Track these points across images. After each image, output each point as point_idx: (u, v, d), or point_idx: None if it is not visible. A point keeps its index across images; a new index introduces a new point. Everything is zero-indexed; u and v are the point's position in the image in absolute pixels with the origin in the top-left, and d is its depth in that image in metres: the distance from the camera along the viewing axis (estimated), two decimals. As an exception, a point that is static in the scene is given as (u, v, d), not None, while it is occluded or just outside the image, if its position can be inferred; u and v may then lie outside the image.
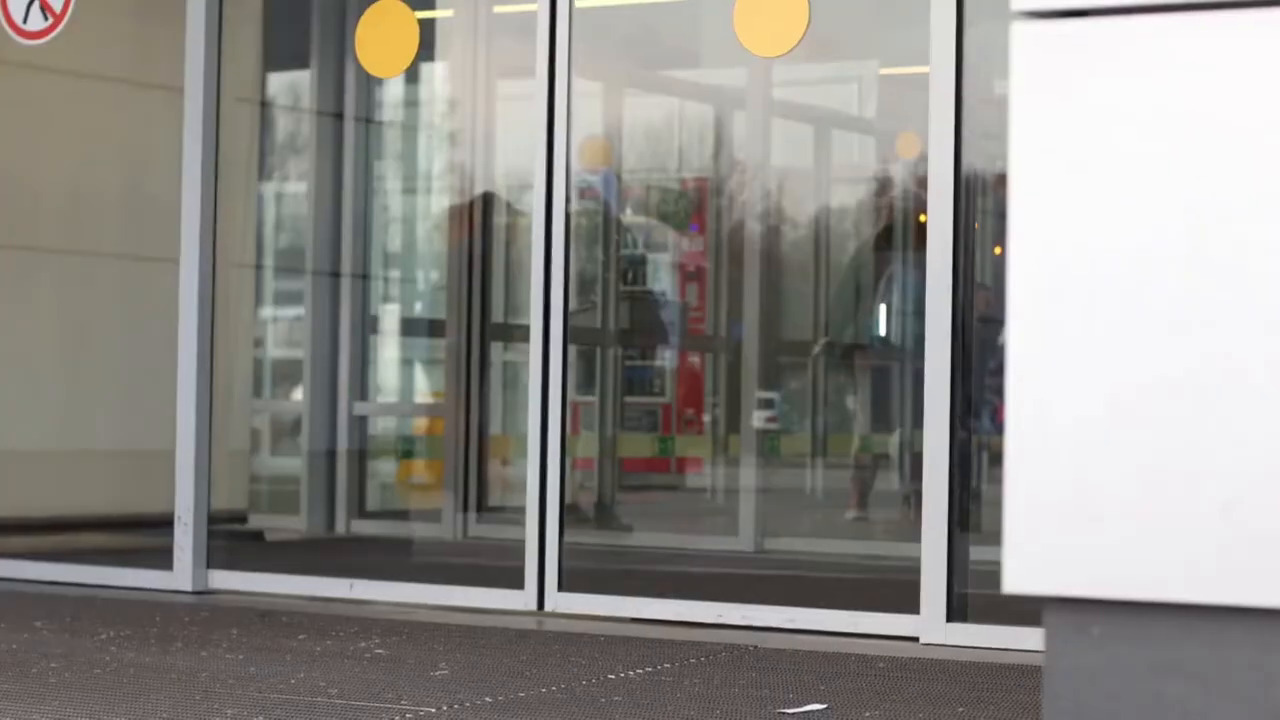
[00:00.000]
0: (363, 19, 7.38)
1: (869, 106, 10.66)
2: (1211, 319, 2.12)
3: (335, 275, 9.78)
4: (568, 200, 6.98)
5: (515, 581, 7.13)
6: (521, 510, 11.56)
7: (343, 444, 9.72)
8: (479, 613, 6.86)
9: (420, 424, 10.65)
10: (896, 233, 9.91)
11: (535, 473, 7.00)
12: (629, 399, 11.12)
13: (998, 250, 8.16)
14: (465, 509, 9.94)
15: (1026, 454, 2.19)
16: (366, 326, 9.90)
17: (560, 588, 6.84)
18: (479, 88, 10.18)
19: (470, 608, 6.96)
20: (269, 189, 10.36)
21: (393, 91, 10.57)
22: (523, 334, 13.72)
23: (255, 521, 9.40)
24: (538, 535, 6.96)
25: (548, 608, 6.79)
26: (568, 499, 12.23)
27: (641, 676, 5.39)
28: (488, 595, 7.04)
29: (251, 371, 10.10)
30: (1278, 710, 2.07)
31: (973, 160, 6.36)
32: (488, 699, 4.96)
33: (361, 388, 9.85)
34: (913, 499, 8.65)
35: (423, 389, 10.88)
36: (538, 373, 7.06)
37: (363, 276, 9.90)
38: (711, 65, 10.73)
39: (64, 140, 8.73)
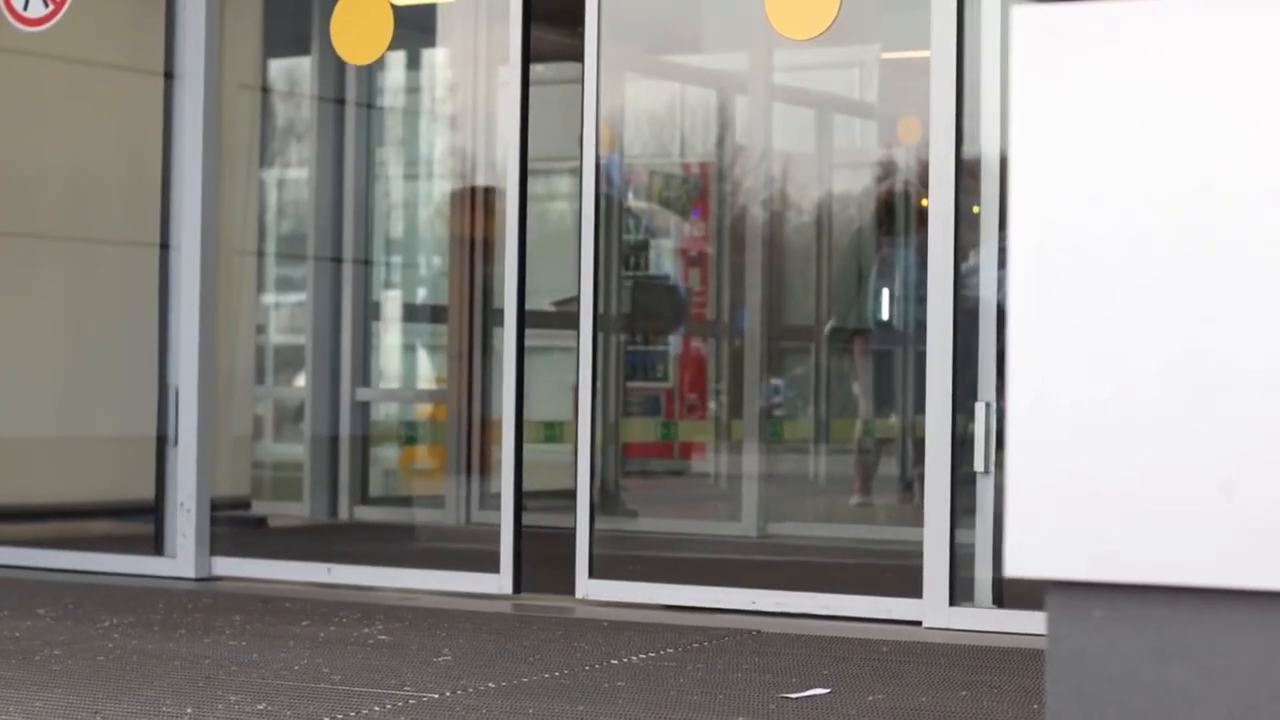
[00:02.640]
0: (338, 6, 7.38)
1: (871, 91, 10.65)
2: (1211, 303, 2.12)
3: (337, 261, 9.78)
4: (597, 184, 6.98)
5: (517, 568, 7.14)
6: (527, 496, 11.57)
7: (345, 430, 9.72)
8: (482, 599, 6.86)
9: (423, 410, 10.65)
10: (898, 217, 9.90)
11: (510, 459, 7.04)
12: (631, 384, 11.13)
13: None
14: (469, 495, 9.94)
15: (1028, 437, 2.19)
16: (369, 312, 9.91)
17: (591, 574, 6.80)
18: (480, 72, 10.17)
19: (449, 591, 6.98)
20: (270, 175, 10.35)
21: (394, 77, 10.56)
22: (528, 319, 13.72)
23: (258, 508, 9.41)
24: (513, 520, 6.99)
25: (579, 595, 6.76)
26: (570, 484, 12.24)
27: (644, 661, 5.40)
28: (464, 579, 7.06)
29: (254, 358, 10.10)
30: (1280, 693, 2.07)
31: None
32: (490, 685, 4.96)
33: (364, 374, 9.85)
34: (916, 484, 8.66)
35: (425, 375, 10.88)
36: (512, 357, 7.11)
37: (365, 262, 9.90)
38: (714, 50, 10.72)
39: (65, 127, 8.72)
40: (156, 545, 7.63)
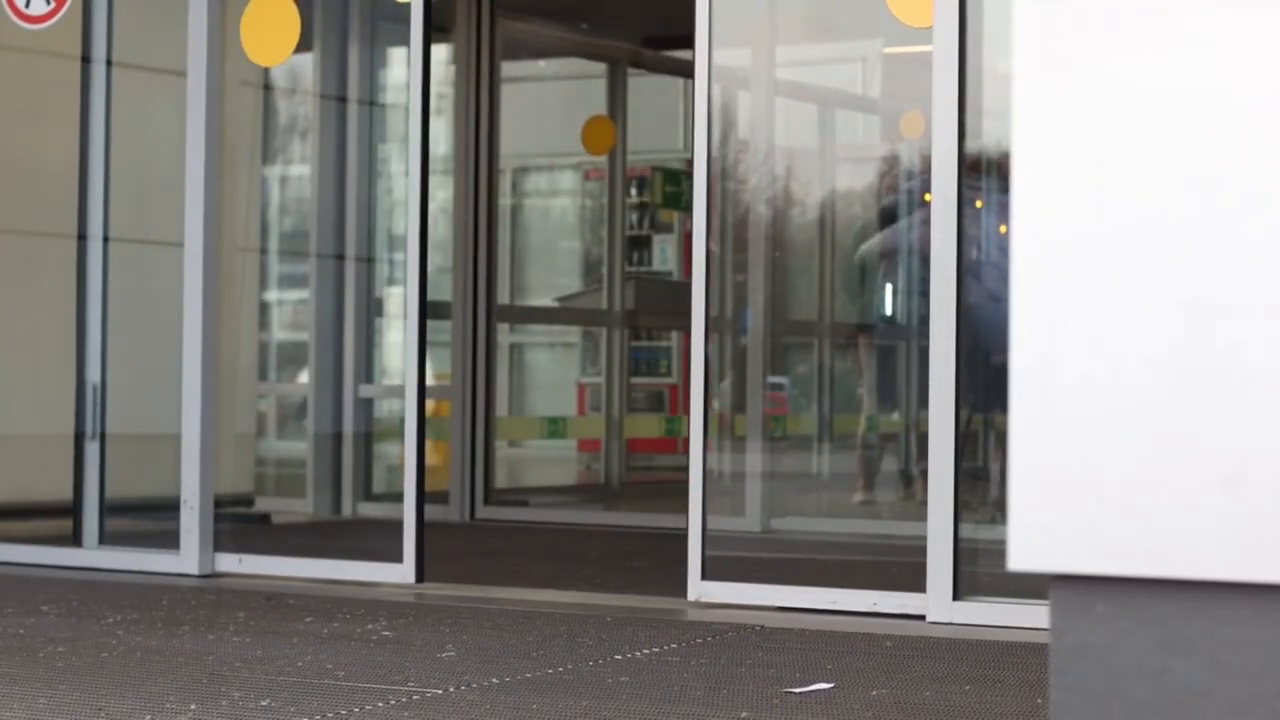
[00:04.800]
0: (248, 7, 7.39)
1: (873, 86, 10.65)
2: (1215, 299, 2.12)
3: (339, 258, 9.78)
4: (709, 185, 6.91)
5: (515, 564, 7.13)
6: (531, 492, 11.56)
7: (348, 427, 9.73)
8: (482, 595, 6.86)
9: (426, 406, 10.66)
10: (901, 212, 9.90)
11: (412, 452, 7.05)
12: (635, 380, 11.13)
13: (1003, 229, 8.15)
14: (473, 491, 9.94)
15: (1031, 432, 2.19)
16: (371, 308, 9.91)
17: (704, 576, 6.70)
18: (482, 69, 10.17)
19: (352, 580, 7.03)
20: (273, 171, 10.35)
21: (396, 74, 10.56)
22: (529, 315, 13.71)
23: (261, 505, 9.41)
24: (415, 511, 7.01)
25: (691, 597, 6.68)
26: (574, 480, 12.24)
27: (648, 657, 5.39)
28: (368, 569, 7.11)
29: (257, 355, 10.10)
30: (1284, 687, 2.07)
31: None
32: (494, 680, 4.96)
33: (366, 370, 9.85)
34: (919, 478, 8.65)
35: (428, 371, 10.89)
36: (414, 355, 7.14)
37: (367, 259, 9.90)
38: (716, 45, 10.71)
39: (67, 124, 8.71)
40: (75, 538, 7.69)
